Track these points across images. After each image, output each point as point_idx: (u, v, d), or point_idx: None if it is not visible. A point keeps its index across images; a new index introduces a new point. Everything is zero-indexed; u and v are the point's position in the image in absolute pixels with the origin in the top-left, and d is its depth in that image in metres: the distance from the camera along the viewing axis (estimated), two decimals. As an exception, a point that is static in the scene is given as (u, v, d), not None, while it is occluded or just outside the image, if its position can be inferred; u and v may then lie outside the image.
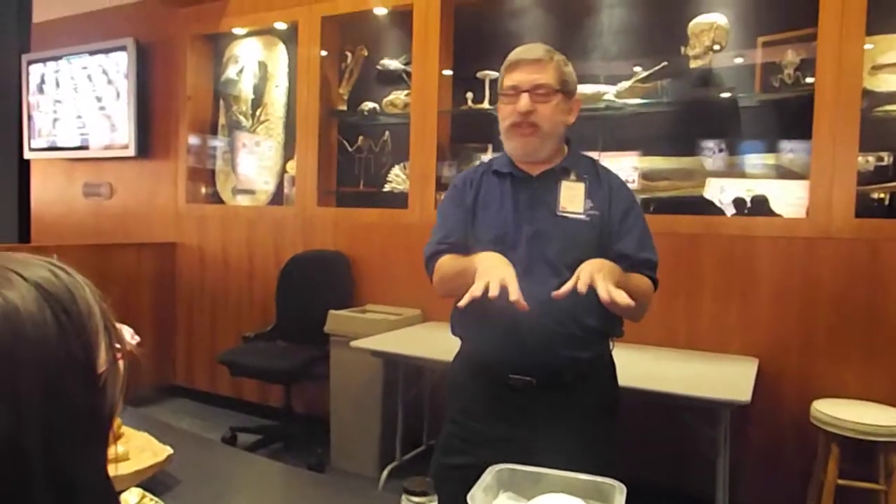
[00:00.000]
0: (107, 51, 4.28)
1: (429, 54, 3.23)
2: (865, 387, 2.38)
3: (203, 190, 4.25)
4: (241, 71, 4.09)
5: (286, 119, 3.94)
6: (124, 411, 1.16)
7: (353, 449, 3.11)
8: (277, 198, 3.97)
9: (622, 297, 1.24)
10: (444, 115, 3.32)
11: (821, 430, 2.23)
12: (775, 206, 2.71)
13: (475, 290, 1.26)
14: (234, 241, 3.96)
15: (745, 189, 2.77)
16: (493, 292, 1.24)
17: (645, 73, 2.88)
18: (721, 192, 2.81)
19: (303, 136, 3.69)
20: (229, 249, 3.98)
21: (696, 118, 2.89)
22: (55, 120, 4.63)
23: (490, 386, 1.51)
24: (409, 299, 3.25)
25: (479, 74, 3.18)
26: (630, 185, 2.97)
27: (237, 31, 3.99)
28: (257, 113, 4.05)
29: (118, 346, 0.58)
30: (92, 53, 4.35)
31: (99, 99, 4.37)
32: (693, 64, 2.79)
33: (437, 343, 2.44)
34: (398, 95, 3.51)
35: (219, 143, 4.21)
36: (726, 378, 2.24)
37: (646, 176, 2.95)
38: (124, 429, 1.25)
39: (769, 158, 2.76)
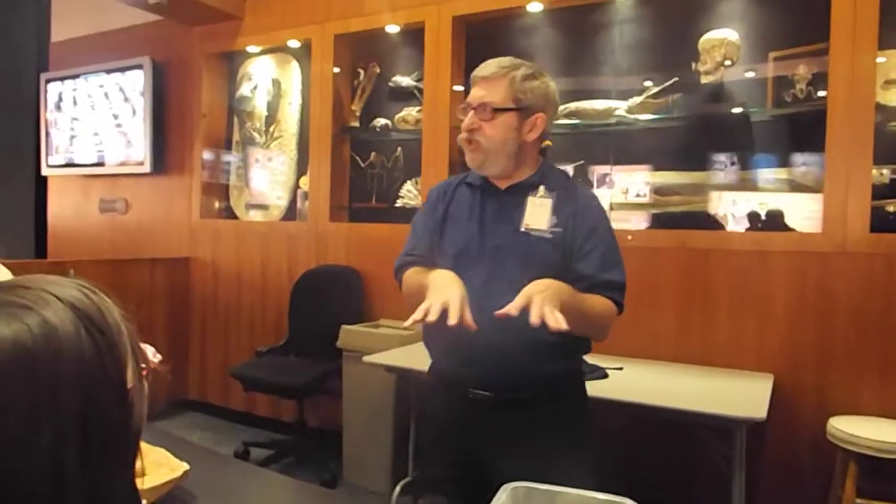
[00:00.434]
0: (123, 69, 4.35)
1: (440, 71, 3.26)
2: (883, 403, 2.35)
3: (217, 205, 4.29)
4: (254, 88, 4.14)
5: (299, 135, 3.98)
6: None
7: (366, 464, 3.10)
8: (290, 213, 4.00)
9: (554, 322, 1.19)
10: (455, 130, 3.32)
11: (838, 448, 2.20)
12: (788, 219, 2.70)
13: (416, 315, 1.26)
14: (248, 255, 3.99)
15: (759, 203, 2.76)
16: (432, 317, 1.23)
17: (656, 89, 2.89)
18: (734, 205, 2.81)
19: (316, 151, 3.72)
20: (243, 264, 4.01)
21: (708, 133, 2.89)
22: (72, 137, 4.70)
23: (453, 400, 1.52)
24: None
25: (490, 91, 3.20)
26: (642, 200, 3.05)
27: (251, 49, 4.05)
28: (271, 129, 4.09)
29: (143, 364, 0.59)
30: (109, 72, 4.43)
31: (115, 116, 4.43)
32: (704, 79, 2.80)
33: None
34: (410, 112, 3.54)
35: (233, 158, 4.26)
36: (741, 394, 2.21)
37: (658, 191, 2.95)
38: (141, 444, 1.25)
39: (781, 173, 2.75)
